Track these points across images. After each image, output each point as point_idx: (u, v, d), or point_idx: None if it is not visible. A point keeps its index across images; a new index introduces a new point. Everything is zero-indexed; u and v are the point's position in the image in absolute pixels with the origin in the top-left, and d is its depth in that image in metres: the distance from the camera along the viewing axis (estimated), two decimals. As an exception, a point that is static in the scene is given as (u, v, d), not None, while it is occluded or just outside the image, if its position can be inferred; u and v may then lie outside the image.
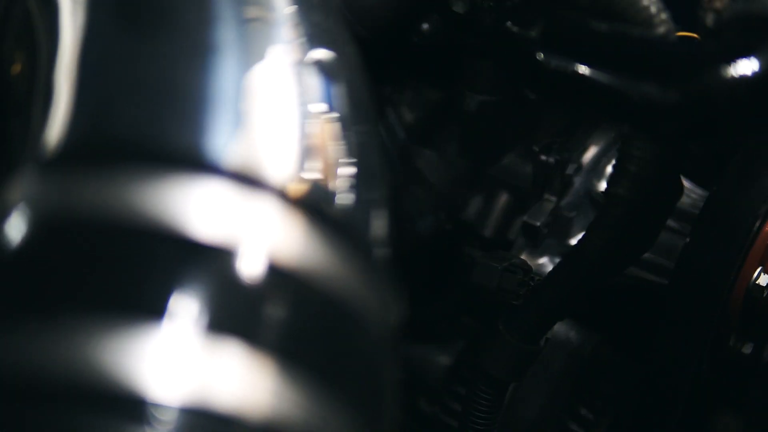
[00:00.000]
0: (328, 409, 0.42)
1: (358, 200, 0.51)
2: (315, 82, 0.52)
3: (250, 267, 0.42)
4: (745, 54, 0.61)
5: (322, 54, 0.54)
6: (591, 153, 0.83)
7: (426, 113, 0.97)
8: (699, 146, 0.86)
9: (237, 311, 0.41)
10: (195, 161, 0.44)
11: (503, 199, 0.93)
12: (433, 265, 0.96)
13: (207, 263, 0.41)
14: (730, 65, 0.61)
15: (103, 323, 0.39)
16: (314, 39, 0.54)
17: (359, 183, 0.53)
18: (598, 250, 0.69)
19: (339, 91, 0.54)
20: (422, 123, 0.97)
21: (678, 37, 0.65)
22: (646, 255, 0.84)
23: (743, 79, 0.60)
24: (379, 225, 0.53)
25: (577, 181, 0.83)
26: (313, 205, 0.46)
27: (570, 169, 0.83)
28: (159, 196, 0.42)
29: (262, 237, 0.43)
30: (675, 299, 0.81)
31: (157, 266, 0.41)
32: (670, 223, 0.83)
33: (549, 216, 0.84)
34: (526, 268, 0.75)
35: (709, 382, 0.83)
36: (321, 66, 0.53)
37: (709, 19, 0.64)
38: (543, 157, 0.84)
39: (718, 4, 0.65)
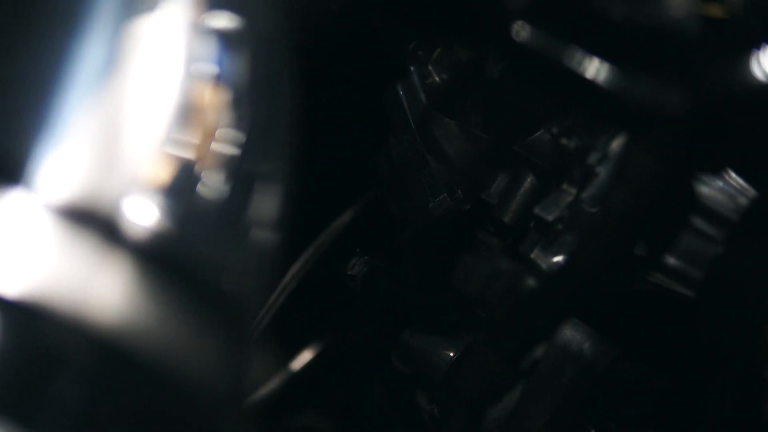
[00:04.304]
0: None
1: (225, 227, 0.42)
2: (207, 50, 0.44)
3: (37, 318, 0.33)
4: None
5: (224, 20, 0.45)
6: (621, 140, 0.70)
7: (453, 76, 0.86)
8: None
9: (21, 374, 0.32)
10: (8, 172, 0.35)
11: (528, 181, 0.82)
12: (444, 249, 0.85)
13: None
14: (748, 60, 0.47)
15: None
16: (218, 2, 0.45)
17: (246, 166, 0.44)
18: (589, 266, 0.58)
19: (238, 63, 0.45)
20: (447, 87, 0.86)
21: (699, 19, 0.52)
22: (673, 261, 0.71)
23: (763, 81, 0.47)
24: (249, 257, 0.43)
25: (602, 171, 0.71)
26: (150, 242, 0.37)
27: (593, 158, 0.71)
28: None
29: (77, 282, 0.34)
30: (701, 317, 0.68)
31: None
32: (704, 227, 0.69)
33: (565, 209, 0.72)
34: (514, 276, 0.63)
35: (735, 420, 0.71)
36: (220, 33, 0.44)
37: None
38: (563, 141, 0.71)
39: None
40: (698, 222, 0.69)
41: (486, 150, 0.83)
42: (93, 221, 0.35)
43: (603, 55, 0.48)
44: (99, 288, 0.34)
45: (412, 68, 0.87)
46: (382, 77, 0.89)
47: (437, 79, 0.86)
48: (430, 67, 0.87)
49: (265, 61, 0.47)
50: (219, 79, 0.43)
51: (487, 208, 0.84)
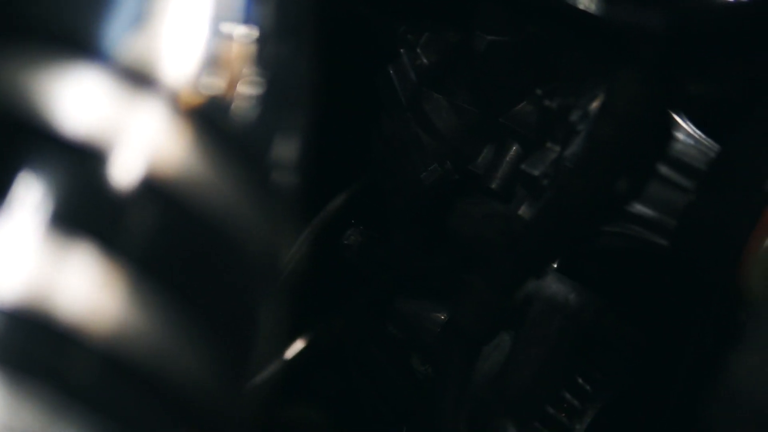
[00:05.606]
0: (178, 336, 0.37)
1: (264, 121, 0.47)
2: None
3: (120, 167, 0.38)
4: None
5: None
6: (601, 100, 0.76)
7: (441, 56, 0.92)
8: (708, 89, 0.78)
9: (96, 212, 0.37)
10: (79, 44, 0.40)
11: (512, 149, 0.87)
12: (436, 217, 0.90)
13: (71, 156, 0.37)
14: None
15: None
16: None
17: (269, 103, 0.48)
18: (580, 195, 0.63)
19: (265, 7, 0.49)
20: (436, 66, 0.92)
21: None
22: (647, 211, 0.76)
23: (735, 3, 0.53)
24: (286, 151, 0.48)
25: (583, 128, 0.76)
26: (207, 115, 0.42)
27: (574, 116, 0.77)
28: (30, 77, 0.38)
29: (139, 138, 0.39)
30: (675, 264, 0.74)
31: (12, 151, 0.37)
32: (674, 176, 0.75)
33: (550, 166, 0.78)
34: (508, 216, 0.69)
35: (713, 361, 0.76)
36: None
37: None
38: (546, 102, 0.77)
39: None
40: (668, 172, 0.75)
41: (473, 122, 0.89)
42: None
43: None
44: (167, 145, 0.39)
45: (401, 51, 0.93)
46: (372, 63, 0.95)
47: (426, 61, 0.92)
48: (418, 50, 0.93)
49: (289, 10, 0.51)
50: (245, 30, 0.47)
51: (475, 179, 0.89)
